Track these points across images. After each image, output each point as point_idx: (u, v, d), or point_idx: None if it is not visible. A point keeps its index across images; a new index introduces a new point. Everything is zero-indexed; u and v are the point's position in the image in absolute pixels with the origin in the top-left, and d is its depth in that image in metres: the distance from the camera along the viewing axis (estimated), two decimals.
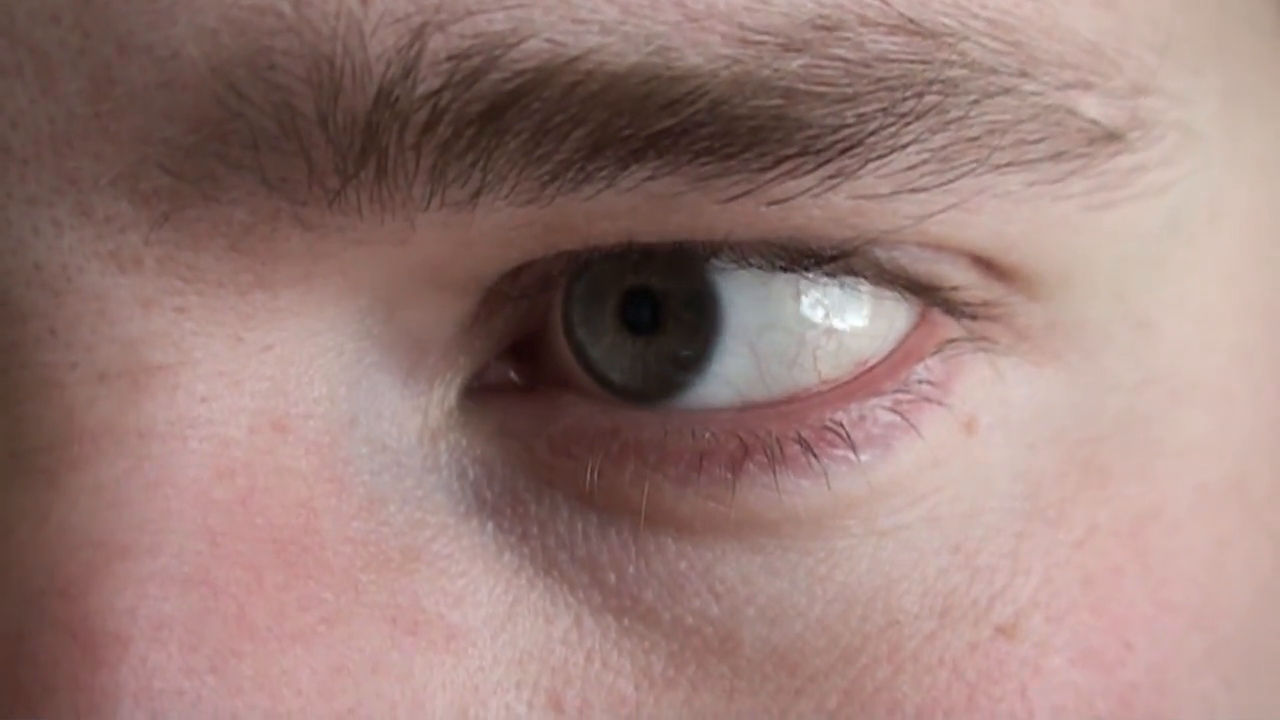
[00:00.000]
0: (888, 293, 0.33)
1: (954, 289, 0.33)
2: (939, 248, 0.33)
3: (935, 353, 0.33)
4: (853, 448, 0.33)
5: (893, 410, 0.33)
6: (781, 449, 0.33)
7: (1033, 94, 0.32)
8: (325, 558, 0.32)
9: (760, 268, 0.33)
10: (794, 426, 0.33)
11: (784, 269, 0.33)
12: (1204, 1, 0.34)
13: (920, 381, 0.33)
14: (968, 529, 0.34)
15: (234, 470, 0.32)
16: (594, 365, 0.33)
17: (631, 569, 0.33)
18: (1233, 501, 0.35)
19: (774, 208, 0.31)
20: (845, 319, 0.33)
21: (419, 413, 0.33)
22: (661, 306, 0.33)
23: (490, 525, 0.33)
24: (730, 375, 0.33)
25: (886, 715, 0.33)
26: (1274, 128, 0.36)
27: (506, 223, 0.31)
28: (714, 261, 0.33)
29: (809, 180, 0.31)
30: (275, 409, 0.32)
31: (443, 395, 0.33)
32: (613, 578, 0.33)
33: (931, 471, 0.33)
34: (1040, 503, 0.34)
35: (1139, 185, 0.34)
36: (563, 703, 0.33)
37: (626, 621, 0.33)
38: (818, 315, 0.33)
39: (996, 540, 0.34)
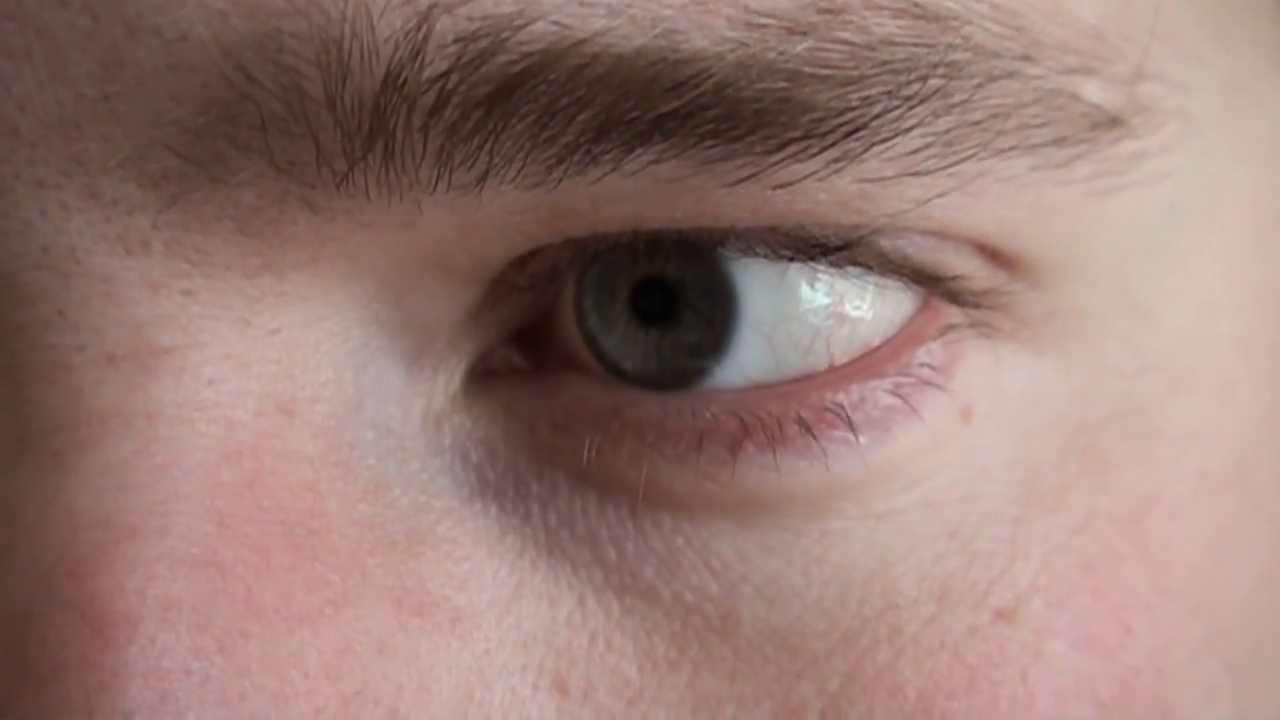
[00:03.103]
0: (893, 281, 0.33)
1: (957, 278, 0.33)
2: (943, 235, 0.33)
3: (937, 337, 0.34)
4: (852, 429, 0.33)
5: (893, 393, 0.33)
6: (781, 429, 0.33)
7: (1035, 78, 0.32)
8: (332, 541, 0.32)
9: (766, 257, 0.33)
10: (794, 407, 0.33)
11: (789, 258, 0.33)
12: None
13: (921, 365, 0.33)
14: (964, 514, 0.34)
15: (241, 453, 0.32)
16: (606, 354, 0.33)
17: (630, 546, 0.33)
18: (1233, 489, 0.36)
19: (779, 191, 0.32)
20: (857, 307, 0.33)
21: (423, 396, 0.33)
22: (675, 296, 0.33)
23: (494, 508, 0.33)
24: (745, 363, 0.33)
25: (888, 699, 0.33)
26: (1275, 115, 0.36)
27: (512, 207, 0.32)
28: (721, 250, 0.33)
29: (814, 164, 0.31)
30: (282, 392, 0.32)
31: (447, 380, 0.33)
32: (613, 554, 0.33)
33: (927, 457, 0.34)
34: (1038, 489, 0.34)
35: (1141, 172, 0.34)
36: (567, 685, 0.33)
37: (628, 601, 0.33)
38: (830, 302, 0.33)
39: (994, 526, 0.34)
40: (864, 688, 0.33)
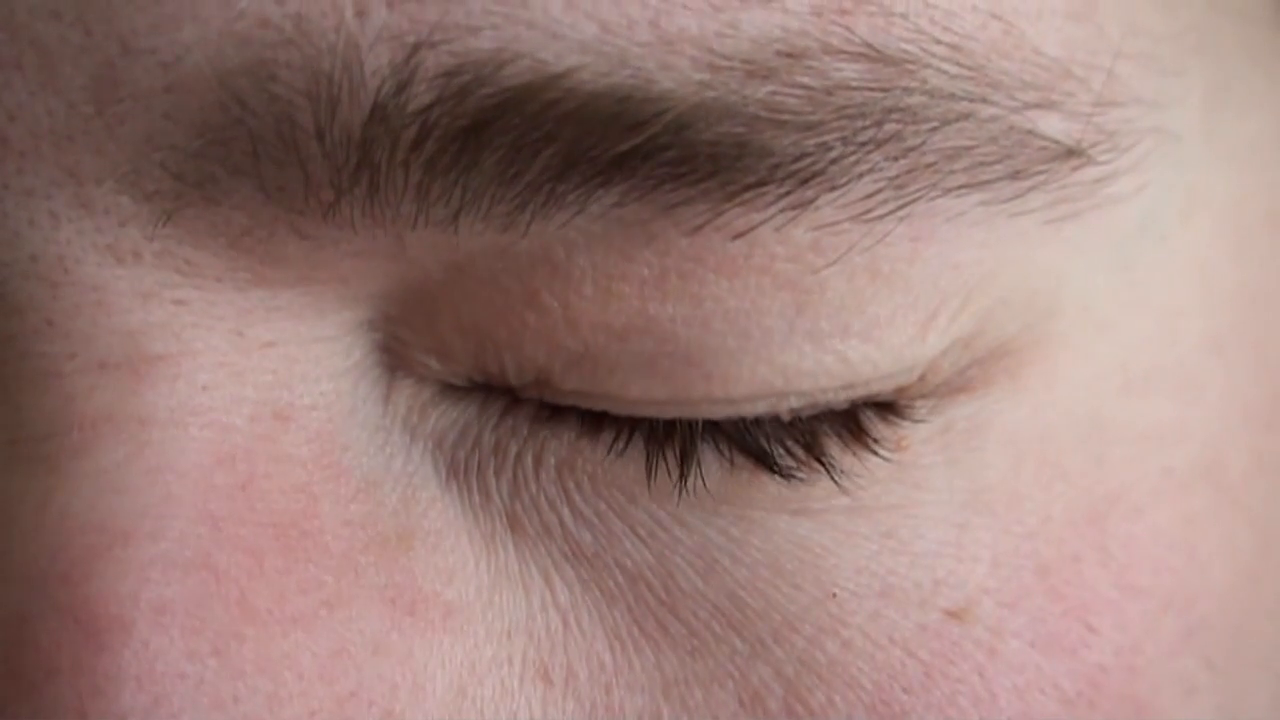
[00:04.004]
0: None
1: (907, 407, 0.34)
2: (904, 400, 0.33)
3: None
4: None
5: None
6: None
7: (990, 119, 0.32)
8: (325, 541, 0.32)
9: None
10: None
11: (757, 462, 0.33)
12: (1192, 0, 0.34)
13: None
14: (899, 519, 0.34)
15: (234, 457, 0.32)
16: None
17: (566, 511, 0.34)
18: (1203, 484, 0.36)
19: (738, 242, 0.32)
20: None
21: (408, 394, 0.33)
22: None
23: (466, 490, 0.34)
24: None
25: (846, 689, 0.33)
26: (1260, 118, 0.36)
27: (491, 250, 0.32)
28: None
29: (770, 211, 0.31)
30: (278, 400, 0.32)
31: (437, 380, 0.33)
32: (555, 520, 0.34)
33: (851, 476, 0.34)
34: (985, 498, 0.34)
35: (1105, 194, 0.34)
36: (550, 674, 0.33)
37: (584, 572, 0.34)
38: None
39: (935, 530, 0.34)
40: (820, 676, 0.34)
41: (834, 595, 0.33)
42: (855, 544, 0.34)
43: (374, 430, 0.33)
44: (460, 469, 0.33)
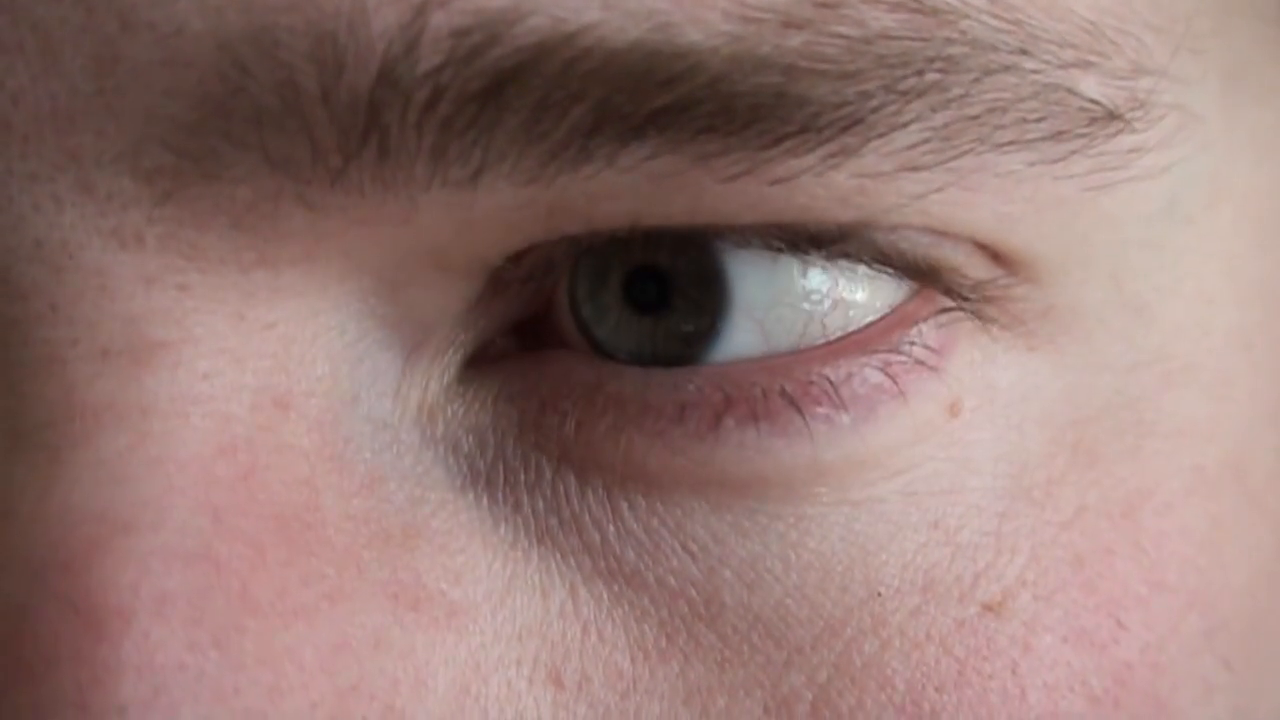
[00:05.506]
0: (887, 272, 0.33)
1: (952, 271, 0.33)
2: (940, 232, 0.33)
3: (930, 319, 0.34)
4: (838, 406, 0.33)
5: (883, 371, 0.33)
6: (766, 401, 0.33)
7: (1033, 72, 0.32)
8: (327, 535, 0.32)
9: (762, 248, 0.33)
10: (780, 380, 0.33)
11: (783, 251, 0.33)
12: None
13: (913, 344, 0.33)
14: (947, 506, 0.34)
15: (236, 447, 0.32)
16: (600, 344, 0.33)
17: (611, 528, 0.33)
18: (1230, 484, 0.35)
19: (776, 187, 0.31)
20: (851, 291, 0.33)
21: (419, 389, 0.33)
22: (668, 284, 0.33)
23: (485, 498, 0.33)
24: (738, 349, 0.33)
25: (877, 690, 0.33)
26: (1274, 109, 0.36)
27: (509, 203, 0.31)
28: (717, 243, 0.33)
29: (810, 159, 0.31)
30: (277, 386, 0.32)
31: (443, 371, 0.33)
32: (596, 538, 0.33)
33: (910, 449, 0.33)
34: (1025, 483, 0.34)
35: (1138, 167, 0.34)
36: (562, 678, 0.33)
37: (616, 588, 0.33)
38: (824, 288, 0.33)
39: (978, 519, 0.34)
40: (853, 679, 0.33)
41: (879, 594, 0.33)
42: (904, 536, 0.33)
43: (380, 426, 0.33)
44: (481, 478, 0.33)
